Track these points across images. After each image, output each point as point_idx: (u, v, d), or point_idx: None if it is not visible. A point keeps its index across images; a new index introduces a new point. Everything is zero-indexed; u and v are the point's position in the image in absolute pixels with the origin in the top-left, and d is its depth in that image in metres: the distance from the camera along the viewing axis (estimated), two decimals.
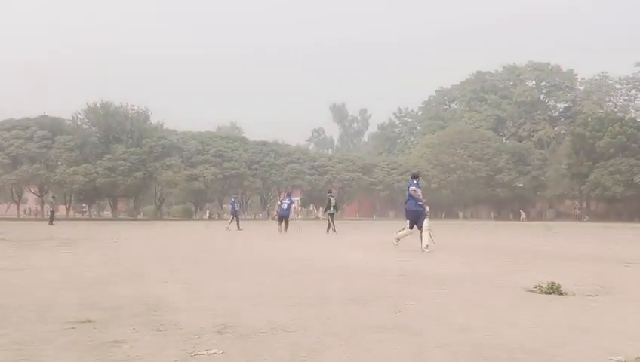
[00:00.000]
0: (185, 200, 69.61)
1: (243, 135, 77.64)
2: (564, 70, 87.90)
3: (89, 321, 4.75)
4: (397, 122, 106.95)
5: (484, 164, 74.72)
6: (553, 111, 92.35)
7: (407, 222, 14.24)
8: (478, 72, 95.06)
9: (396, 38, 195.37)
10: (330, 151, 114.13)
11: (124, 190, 56.31)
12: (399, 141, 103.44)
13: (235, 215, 30.17)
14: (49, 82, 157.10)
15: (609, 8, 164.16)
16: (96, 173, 53.28)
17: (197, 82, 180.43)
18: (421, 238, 13.57)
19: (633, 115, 77.12)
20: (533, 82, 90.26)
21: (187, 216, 65.64)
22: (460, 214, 77.99)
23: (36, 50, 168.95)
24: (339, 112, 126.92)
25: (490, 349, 3.89)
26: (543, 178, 75.66)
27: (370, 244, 17.16)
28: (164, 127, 63.15)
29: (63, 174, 52.93)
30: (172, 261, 10.82)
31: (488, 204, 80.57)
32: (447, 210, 78.91)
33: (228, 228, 28.43)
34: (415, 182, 14.28)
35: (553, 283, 6.74)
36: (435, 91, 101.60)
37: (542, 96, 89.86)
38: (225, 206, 66.62)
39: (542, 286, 6.76)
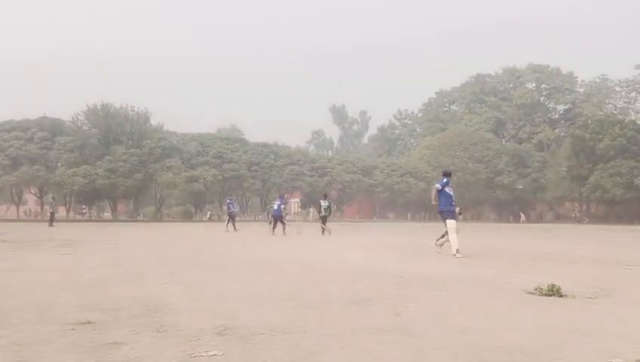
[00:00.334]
0: (185, 201, 69.60)
1: (243, 136, 77.68)
2: (564, 72, 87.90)
3: (89, 323, 4.75)
4: (397, 124, 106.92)
5: (484, 166, 74.67)
6: (553, 113, 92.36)
7: (449, 221, 13.01)
8: (478, 75, 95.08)
9: (396, 39, 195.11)
10: (330, 152, 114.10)
11: (124, 191, 56.30)
12: (399, 143, 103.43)
13: (231, 216, 30.07)
14: (49, 83, 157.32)
15: (609, 10, 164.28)
16: (96, 174, 53.27)
17: (197, 83, 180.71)
18: (448, 240, 13.00)
19: (633, 118, 77.12)
20: (533, 84, 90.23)
21: (187, 217, 65.63)
22: (460, 216, 77.89)
23: (36, 50, 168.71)
24: (339, 114, 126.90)
25: (490, 351, 3.89)
26: (543, 180, 75.62)
27: (370, 246, 17.18)
28: (164, 128, 63.23)
29: (62, 175, 52.93)
30: (172, 262, 10.83)
31: (488, 206, 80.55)
32: None
33: (227, 229, 28.39)
34: (445, 180, 13.35)
35: (553, 286, 6.74)
36: (435, 93, 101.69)
37: (542, 99, 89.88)
38: (224, 207, 66.66)
39: (542, 289, 6.77)
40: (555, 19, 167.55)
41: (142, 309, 5.47)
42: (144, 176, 55.85)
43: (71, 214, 61.68)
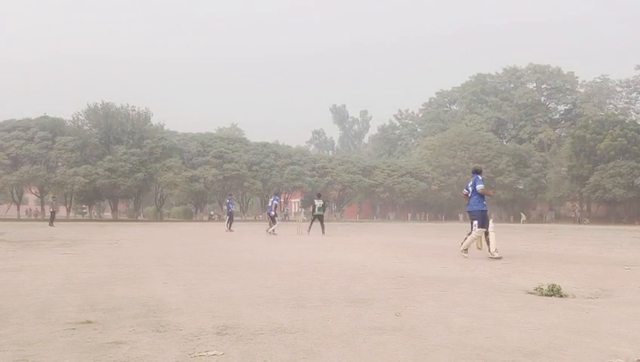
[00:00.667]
0: (185, 201, 69.67)
1: (243, 136, 77.71)
2: (565, 73, 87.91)
3: (89, 322, 4.75)
4: (397, 124, 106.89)
5: (484, 166, 74.56)
6: (554, 113, 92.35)
7: (475, 223, 12.53)
8: (479, 74, 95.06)
9: (396, 40, 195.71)
10: (330, 152, 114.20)
11: (124, 191, 56.33)
12: (400, 143, 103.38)
13: (230, 215, 30.05)
14: (50, 83, 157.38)
15: (609, 11, 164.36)
16: (97, 174, 53.27)
17: (198, 84, 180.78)
18: (487, 242, 12.46)
19: (634, 118, 77.14)
20: (534, 84, 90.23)
21: (187, 217, 65.70)
22: (461, 216, 77.89)
23: (38, 51, 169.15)
24: (339, 114, 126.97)
25: (491, 351, 3.88)
26: (544, 180, 75.66)
27: (370, 246, 17.16)
28: (165, 128, 63.28)
29: (63, 175, 52.92)
30: (172, 262, 10.82)
31: (489, 206, 80.00)
32: (448, 212, 78.91)
33: (229, 229, 28.38)
34: (480, 178, 12.99)
35: (553, 286, 6.74)
36: (436, 93, 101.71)
37: (542, 99, 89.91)
38: (224, 207, 66.74)
39: (542, 289, 6.77)
40: (556, 22, 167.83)
41: (142, 309, 5.47)
42: (145, 175, 55.83)
43: (71, 214, 61.78)
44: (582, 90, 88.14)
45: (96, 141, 56.87)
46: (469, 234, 12.58)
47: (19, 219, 53.91)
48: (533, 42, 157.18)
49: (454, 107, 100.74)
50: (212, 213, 67.25)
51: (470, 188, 13.04)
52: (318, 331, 4.51)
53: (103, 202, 67.88)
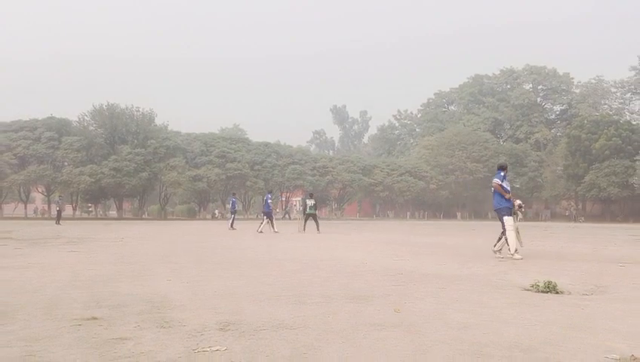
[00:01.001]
0: (189, 200, 69.68)
1: (246, 136, 77.61)
2: (561, 74, 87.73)
3: (95, 318, 4.75)
4: (396, 124, 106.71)
5: (481, 166, 74.56)
6: (550, 113, 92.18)
7: (506, 218, 11.84)
8: (476, 75, 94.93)
9: (396, 41, 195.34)
10: (331, 152, 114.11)
11: (129, 190, 56.33)
12: (399, 143, 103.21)
13: (232, 214, 30.05)
14: (56, 84, 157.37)
15: (605, 13, 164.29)
16: (102, 173, 53.26)
17: (201, 84, 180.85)
18: (506, 240, 11.72)
19: (628, 118, 76.96)
20: (530, 85, 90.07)
21: (191, 215, 65.72)
22: (459, 215, 77.91)
23: (43, 51, 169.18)
24: (339, 114, 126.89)
25: (488, 347, 3.88)
26: (540, 179, 75.58)
27: (370, 243, 17.17)
28: (169, 128, 63.31)
29: (69, 174, 52.91)
30: (176, 259, 10.83)
31: (486, 205, 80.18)
32: (446, 211, 78.88)
33: (233, 227, 28.40)
34: (502, 174, 12.15)
35: (549, 283, 6.73)
36: (434, 94, 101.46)
37: (539, 99, 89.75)
38: (228, 206, 66.80)
39: (538, 285, 6.76)
40: (553, 21, 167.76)
41: (146, 305, 5.47)
42: (149, 175, 55.81)
43: (77, 212, 61.73)
44: (577, 91, 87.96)
45: (102, 141, 56.87)
46: (502, 234, 11.87)
47: (26, 218, 53.93)
48: (530, 43, 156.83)
49: (452, 107, 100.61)
50: (216, 211, 67.24)
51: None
52: (318, 327, 4.51)
53: (108, 201, 67.85)
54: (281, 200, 72.41)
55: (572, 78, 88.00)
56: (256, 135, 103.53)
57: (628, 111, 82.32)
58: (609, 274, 8.71)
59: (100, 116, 57.56)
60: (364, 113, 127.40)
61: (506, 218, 11.68)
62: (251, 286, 7.04)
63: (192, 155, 60.98)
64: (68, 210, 56.90)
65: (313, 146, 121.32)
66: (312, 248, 14.70)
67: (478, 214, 78.71)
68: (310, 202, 25.84)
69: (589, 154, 64.97)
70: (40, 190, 59.72)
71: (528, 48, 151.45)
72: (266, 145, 68.87)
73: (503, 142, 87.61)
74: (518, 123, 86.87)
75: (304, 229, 24.63)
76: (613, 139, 62.81)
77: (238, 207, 31.55)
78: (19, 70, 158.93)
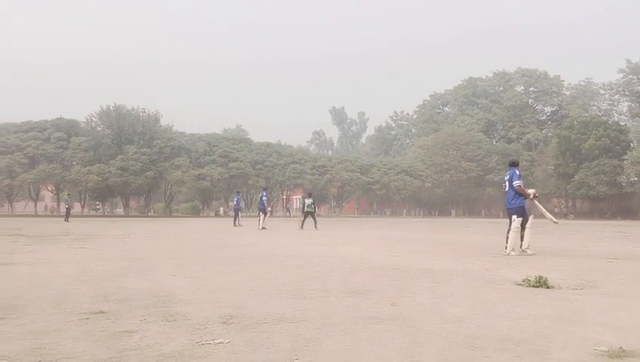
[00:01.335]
0: (193, 198, 69.75)
1: (248, 137, 77.64)
2: (552, 76, 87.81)
3: (102, 312, 4.75)
4: (393, 125, 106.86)
5: (475, 165, 74.71)
6: (541, 114, 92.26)
7: (513, 217, 11.37)
8: (470, 78, 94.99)
9: (392, 45, 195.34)
10: (330, 152, 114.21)
11: (135, 188, 56.42)
12: (395, 143, 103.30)
13: (236, 211, 30.03)
14: (65, 86, 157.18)
15: (596, 17, 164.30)
16: (109, 172, 53.35)
17: (206, 87, 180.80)
18: (506, 238, 11.42)
19: (616, 119, 77.08)
20: (522, 87, 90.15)
21: (195, 213, 65.75)
22: (453, 212, 77.97)
23: (54, 55, 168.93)
24: (338, 115, 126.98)
25: (482, 339, 3.88)
26: (531, 178, 75.54)
27: (368, 240, 17.17)
28: (174, 129, 63.38)
29: (77, 173, 52.99)
30: (180, 255, 10.83)
31: (480, 202, 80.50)
32: (441, 208, 78.94)
33: (239, 225, 28.37)
34: (518, 173, 11.72)
35: (540, 278, 6.73)
36: (429, 95, 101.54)
37: (530, 101, 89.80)
38: (231, 204, 66.85)
39: (530, 280, 6.76)
40: (543, 26, 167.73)
41: (152, 299, 5.47)
42: (154, 174, 55.92)
43: (85, 210, 61.81)
44: (567, 93, 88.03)
45: (109, 141, 56.95)
46: (508, 233, 11.47)
47: (36, 215, 53.95)
48: (521, 46, 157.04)
49: (447, 109, 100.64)
50: (222, 208, 67.28)
51: (507, 184, 11.80)
52: (318, 320, 4.51)
53: (115, 199, 67.97)
54: (282, 198, 72.46)
55: (562, 81, 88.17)
56: (258, 135, 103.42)
57: (616, 113, 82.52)
58: (598, 270, 8.71)
59: (108, 117, 57.69)
60: (362, 114, 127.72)
61: (515, 218, 11.32)
62: (253, 281, 7.04)
63: (196, 155, 61.11)
64: (76, 208, 56.97)
65: (313, 146, 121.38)
66: (312, 244, 14.69)
67: (471, 211, 78.81)
68: (308, 201, 25.88)
69: (578, 154, 65.06)
70: (49, 188, 59.79)
71: (520, 51, 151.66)
72: (267, 145, 68.96)
73: (496, 142, 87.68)
74: (510, 124, 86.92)
75: (302, 227, 24.65)
76: (602, 139, 62.92)
77: (242, 204, 31.44)
78: (28, 72, 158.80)
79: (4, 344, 3.68)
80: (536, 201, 11.78)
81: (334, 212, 75.34)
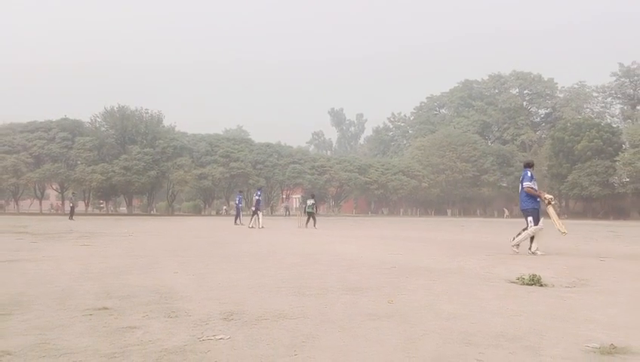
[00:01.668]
0: (194, 197, 69.73)
1: (249, 137, 77.64)
2: (546, 79, 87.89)
3: (105, 308, 4.75)
4: (391, 126, 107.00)
5: (470, 166, 74.76)
6: (535, 116, 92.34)
7: (530, 219, 11.20)
8: (466, 81, 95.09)
9: (391, 48, 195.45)
10: (329, 152, 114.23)
11: (138, 187, 56.44)
12: (393, 144, 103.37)
13: (238, 210, 30.00)
14: (70, 88, 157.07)
15: (589, 21, 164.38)
16: (113, 171, 53.37)
17: (208, 89, 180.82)
18: (520, 233, 11.30)
19: (609, 121, 77.21)
20: (517, 90, 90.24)
21: (197, 212, 65.75)
22: (449, 211, 77.99)
23: (61, 57, 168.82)
24: (337, 117, 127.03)
25: (476, 336, 3.89)
26: None
27: (365, 239, 17.17)
28: (176, 129, 63.39)
29: (82, 173, 53.01)
30: (182, 253, 10.82)
31: (475, 202, 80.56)
32: (437, 208, 78.96)
33: (240, 223, 28.27)
34: (529, 174, 11.38)
35: (534, 276, 6.74)
36: (426, 98, 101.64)
37: (525, 103, 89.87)
38: (232, 203, 66.86)
39: (524, 279, 6.76)
40: (538, 30, 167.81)
41: (154, 296, 5.47)
42: (157, 173, 55.98)
43: (89, 208, 61.79)
44: (561, 96, 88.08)
45: (113, 141, 56.97)
46: (524, 230, 11.36)
47: (41, 213, 53.88)
48: (516, 50, 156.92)
49: (443, 111, 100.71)
50: (225, 207, 67.27)
51: (520, 185, 11.71)
52: (316, 317, 4.51)
53: (118, 198, 67.93)
54: (282, 198, 72.48)
55: (556, 83, 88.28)
56: (259, 136, 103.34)
57: (609, 115, 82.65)
58: (590, 268, 8.71)
59: (111, 118, 57.73)
60: (360, 116, 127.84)
61: (530, 220, 11.16)
62: (253, 278, 7.04)
63: (197, 155, 61.16)
64: (80, 206, 57.11)
65: (312, 147, 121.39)
66: (311, 243, 14.69)
67: (467, 211, 78.84)
68: (310, 202, 26.39)
69: (571, 155, 65.12)
70: (54, 187, 59.77)
71: (515, 55, 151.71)
72: (268, 145, 69.00)
73: (491, 143, 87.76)
74: (505, 125, 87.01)
75: (306, 226, 24.92)
76: (595, 140, 62.98)
77: (242, 203, 31.34)
78: (35, 74, 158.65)
79: (10, 339, 3.68)
80: (550, 208, 11.61)
81: (333, 211, 75.35)
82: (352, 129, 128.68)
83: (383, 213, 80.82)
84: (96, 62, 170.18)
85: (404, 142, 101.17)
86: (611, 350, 3.54)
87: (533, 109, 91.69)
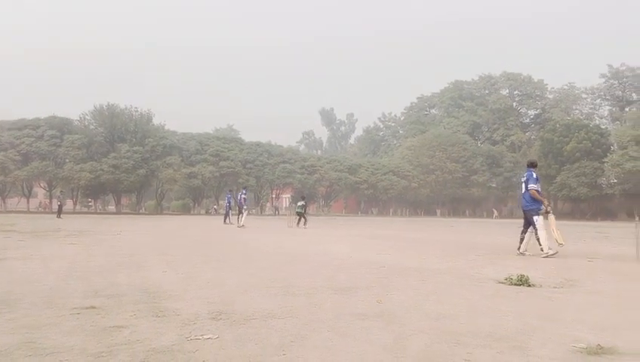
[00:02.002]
0: (184, 196, 69.44)
1: (239, 136, 77.47)
2: (535, 80, 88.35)
3: (93, 307, 4.73)
4: (381, 126, 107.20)
5: (460, 166, 74.98)
6: (525, 117, 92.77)
7: (535, 218, 11.09)
8: (457, 81, 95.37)
9: (382, 48, 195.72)
10: (319, 152, 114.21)
11: (127, 186, 56.15)
12: (383, 143, 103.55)
13: (227, 210, 29.98)
14: (58, 85, 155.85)
15: (580, 24, 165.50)
16: (102, 170, 53.08)
17: (200, 88, 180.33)
18: (537, 240, 10.93)
19: (597, 122, 77.69)
20: (507, 91, 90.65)
21: (186, 211, 65.53)
22: (438, 212, 78.22)
23: (49, 52, 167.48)
24: (328, 116, 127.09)
25: (465, 336, 3.90)
26: (515, 179, 76.02)
27: (355, 238, 17.19)
28: (166, 128, 63.13)
29: (70, 171, 52.68)
30: (171, 252, 10.80)
31: (464, 203, 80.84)
32: (427, 208, 79.16)
33: (229, 222, 28.23)
34: (535, 176, 11.33)
35: (522, 276, 6.78)
36: (417, 98, 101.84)
37: (514, 104, 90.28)
38: (222, 202, 66.68)
39: (512, 279, 6.81)
40: (530, 29, 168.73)
41: (143, 295, 5.45)
42: (146, 172, 55.74)
43: (78, 207, 61.36)
44: (550, 97, 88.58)
45: (102, 139, 56.63)
46: (523, 233, 11.33)
47: (29, 212, 53.48)
48: (507, 51, 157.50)
49: (434, 111, 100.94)
50: (215, 206, 67.07)
51: (523, 185, 11.51)
52: (305, 317, 4.51)
53: (107, 196, 67.55)
54: (272, 197, 72.43)
55: (546, 85, 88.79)
56: (249, 135, 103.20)
57: (597, 116, 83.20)
58: (578, 269, 8.78)
59: (100, 116, 57.38)
60: (350, 115, 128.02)
61: (535, 218, 11.05)
62: (242, 278, 7.03)
63: (187, 154, 60.96)
64: (68, 205, 56.66)
65: (302, 146, 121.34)
66: (301, 242, 14.69)
67: (456, 211, 79.09)
68: (300, 203, 26.88)
69: (560, 156, 65.50)
70: (42, 185, 59.33)
71: (507, 55, 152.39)
72: (258, 144, 68.90)
73: (481, 144, 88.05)
74: (495, 126, 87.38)
75: (297, 225, 25.12)
76: (584, 142, 63.38)
77: (231, 202, 31.26)
78: (23, 71, 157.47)
79: None
80: (551, 217, 11.52)
81: (322, 211, 75.35)
82: (343, 129, 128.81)
83: (372, 212, 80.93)
84: (86, 61, 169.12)
85: (395, 142, 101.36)
86: (598, 350, 3.57)
87: (523, 110, 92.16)
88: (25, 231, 18.12)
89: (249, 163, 64.12)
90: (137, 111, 58.74)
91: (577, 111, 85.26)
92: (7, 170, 51.71)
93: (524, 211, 11.41)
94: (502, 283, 6.81)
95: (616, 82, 78.67)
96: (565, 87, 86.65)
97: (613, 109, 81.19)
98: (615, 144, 66.00)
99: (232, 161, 61.87)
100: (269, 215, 60.44)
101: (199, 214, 60.35)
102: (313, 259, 9.68)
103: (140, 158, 54.76)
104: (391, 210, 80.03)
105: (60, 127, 55.01)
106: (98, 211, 62.79)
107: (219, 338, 3.75)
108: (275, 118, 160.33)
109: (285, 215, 30.32)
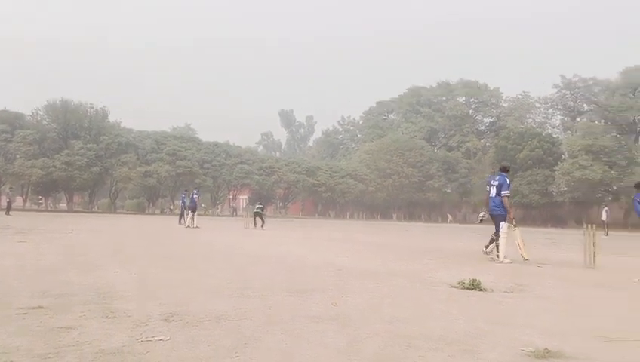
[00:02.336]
0: (139, 195, 68.33)
1: (196, 136, 76.69)
2: (491, 88, 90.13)
3: (41, 307, 4.60)
4: (340, 129, 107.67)
5: (417, 171, 75.87)
6: (480, 125, 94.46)
7: (502, 224, 11.11)
8: (415, 87, 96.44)
9: (342, 50, 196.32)
10: (277, 153, 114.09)
11: (80, 184, 55.00)
12: (341, 147, 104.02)
13: (182, 210, 29.65)
14: (9, 78, 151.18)
15: (534, 34, 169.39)
16: (54, 166, 51.83)
17: (159, 83, 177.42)
18: (496, 246, 11.06)
19: (550, 131, 79.65)
20: (464, 98, 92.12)
21: (140, 210, 64.53)
22: (394, 216, 78.96)
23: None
24: (287, 118, 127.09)
25: (417, 339, 3.94)
26: (469, 185, 77.41)
27: (312, 241, 17.21)
28: (122, 125, 62.05)
29: (21, 167, 51.30)
30: (124, 252, 10.60)
31: (420, 207, 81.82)
32: (383, 212, 79.81)
33: (184, 222, 27.78)
34: (507, 182, 11.31)
35: (474, 280, 6.89)
36: (376, 102, 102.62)
37: (470, 111, 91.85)
38: (177, 202, 65.85)
39: (464, 283, 6.91)
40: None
41: (93, 295, 5.33)
42: (100, 169, 54.75)
43: (28, 204, 59.72)
44: (505, 105, 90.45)
45: (55, 135, 55.30)
46: (494, 235, 11.28)
47: None
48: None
49: (392, 116, 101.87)
50: (172, 206, 66.15)
51: (494, 189, 11.36)
52: (259, 319, 4.49)
53: (59, 194, 65.97)
54: (229, 198, 71.92)
55: (501, 93, 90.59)
56: (207, 135, 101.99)
57: (550, 125, 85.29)
58: (528, 274, 8.98)
59: (54, 111, 56.00)
60: (310, 118, 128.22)
61: (502, 223, 11.04)
62: (196, 278, 6.96)
63: (143, 152, 60.02)
64: (18, 202, 55.07)
65: (261, 147, 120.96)
66: (257, 244, 14.62)
67: (412, 216, 79.96)
68: (258, 205, 27.73)
69: (513, 163, 66.85)
70: None
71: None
72: (216, 144, 68.39)
73: (437, 149, 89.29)
74: (451, 132, 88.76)
75: (254, 226, 25.16)
76: (536, 150, 64.97)
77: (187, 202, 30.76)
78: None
79: None
80: (518, 232, 11.53)
81: (280, 213, 75.20)
82: (302, 131, 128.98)
83: (330, 215, 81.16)
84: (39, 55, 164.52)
85: (353, 145, 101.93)
86: (545, 354, 3.65)
87: (479, 117, 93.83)
88: None
89: (206, 163, 63.56)
90: (92, 107, 57.59)
91: (531, 120, 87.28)
92: None
93: (491, 215, 11.37)
94: (454, 287, 6.91)
95: (568, 93, 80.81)
96: (520, 96, 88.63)
97: (565, 119, 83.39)
98: (566, 153, 67.89)
99: (189, 160, 61.19)
100: (226, 216, 59.99)
101: (154, 214, 59.46)
102: (270, 261, 9.64)
103: (93, 156, 53.71)
104: (348, 214, 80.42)
105: (11, 121, 53.50)
106: (49, 209, 61.14)
107: (170, 339, 3.69)
108: (234, 118, 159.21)
109: (242, 216, 30.14)
